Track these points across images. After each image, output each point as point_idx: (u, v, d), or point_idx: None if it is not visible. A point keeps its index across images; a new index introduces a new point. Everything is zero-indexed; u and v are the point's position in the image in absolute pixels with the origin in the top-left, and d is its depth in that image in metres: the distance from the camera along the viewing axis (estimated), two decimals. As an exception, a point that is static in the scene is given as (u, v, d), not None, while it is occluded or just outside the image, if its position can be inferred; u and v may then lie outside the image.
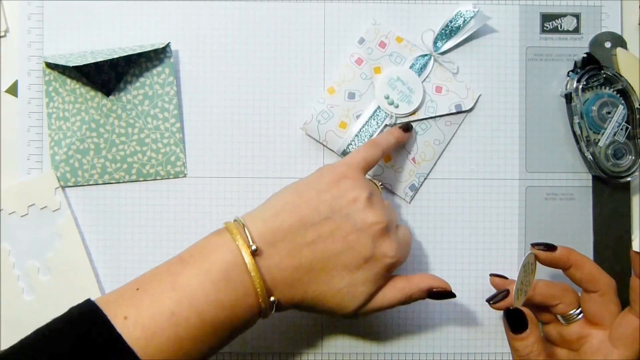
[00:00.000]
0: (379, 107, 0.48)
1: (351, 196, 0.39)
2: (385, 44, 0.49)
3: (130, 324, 0.35)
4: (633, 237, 0.40)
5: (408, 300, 0.41)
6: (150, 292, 0.36)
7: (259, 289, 0.37)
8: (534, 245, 0.43)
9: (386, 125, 0.48)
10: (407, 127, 0.47)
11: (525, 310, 0.41)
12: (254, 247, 0.37)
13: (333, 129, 0.48)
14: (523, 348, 0.41)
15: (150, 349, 0.35)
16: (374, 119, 0.48)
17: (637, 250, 0.39)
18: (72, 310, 0.37)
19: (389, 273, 0.40)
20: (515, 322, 0.41)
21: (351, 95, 0.49)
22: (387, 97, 0.48)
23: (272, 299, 0.38)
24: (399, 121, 0.48)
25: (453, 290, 0.42)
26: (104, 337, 0.35)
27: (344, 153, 0.48)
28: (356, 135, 0.48)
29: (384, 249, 0.39)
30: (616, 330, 0.41)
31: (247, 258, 0.37)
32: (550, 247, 0.43)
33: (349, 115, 0.48)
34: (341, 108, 0.49)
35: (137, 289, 0.37)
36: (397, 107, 0.48)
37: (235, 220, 0.39)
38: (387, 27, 0.49)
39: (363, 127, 0.48)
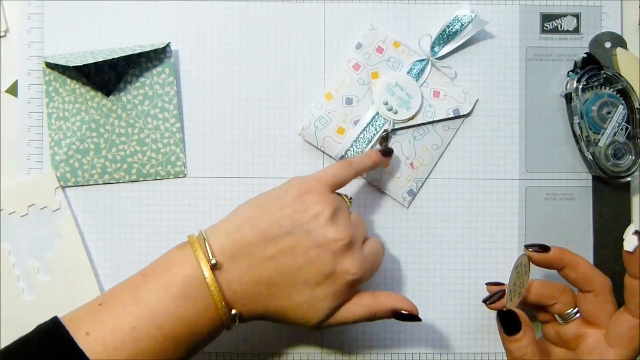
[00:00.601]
0: (377, 113, 0.48)
1: (313, 211, 0.39)
2: (382, 49, 0.49)
3: (92, 340, 0.35)
4: (624, 236, 0.40)
5: (372, 317, 0.41)
6: (111, 307, 0.37)
7: (218, 303, 0.37)
8: (527, 246, 0.43)
9: (385, 131, 0.48)
10: (387, 152, 0.46)
11: (519, 311, 0.41)
12: (213, 262, 0.37)
13: (331, 135, 0.48)
14: (517, 350, 0.41)
15: None
16: (372, 125, 0.48)
17: (629, 250, 0.39)
18: (38, 328, 0.37)
19: (352, 289, 0.40)
20: (508, 323, 0.41)
21: (349, 101, 0.49)
22: (386, 103, 0.48)
23: (233, 312, 0.38)
24: (397, 127, 0.48)
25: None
26: (67, 353, 0.35)
27: (342, 159, 0.48)
28: (354, 141, 0.48)
29: (345, 265, 0.39)
30: (612, 329, 0.41)
31: (207, 272, 0.37)
32: (544, 248, 0.42)
33: (346, 120, 0.48)
34: (339, 114, 0.49)
35: (100, 304, 0.37)
36: (396, 113, 0.48)
37: (198, 234, 0.40)
38: (384, 32, 0.49)
39: (361, 133, 0.48)
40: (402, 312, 0.41)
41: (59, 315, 0.38)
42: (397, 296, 0.42)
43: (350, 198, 0.44)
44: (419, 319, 0.42)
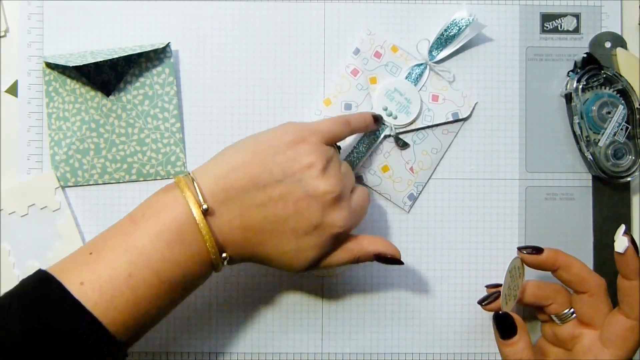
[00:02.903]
0: None
1: (306, 161, 0.38)
2: (380, 54, 0.49)
3: (88, 289, 0.35)
4: (615, 237, 0.40)
5: (356, 261, 0.41)
6: (103, 256, 0.36)
7: (210, 248, 0.37)
8: (520, 248, 0.43)
9: (386, 136, 0.48)
10: (377, 118, 0.46)
11: (515, 315, 0.41)
12: (205, 207, 0.37)
13: None
14: (513, 354, 0.41)
15: (110, 311, 0.35)
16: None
17: (619, 251, 0.39)
18: (25, 282, 0.36)
19: (337, 240, 0.40)
20: (504, 327, 0.41)
21: (347, 107, 0.49)
22: (385, 109, 0.48)
23: (223, 255, 0.38)
24: (397, 132, 0.48)
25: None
26: (62, 303, 0.34)
27: None
28: (354, 148, 0.48)
29: (333, 218, 0.39)
30: (606, 330, 0.41)
31: (198, 217, 0.37)
32: (537, 250, 0.42)
33: None
34: None
35: (91, 253, 0.36)
36: (395, 118, 0.48)
37: (185, 175, 0.39)
38: (382, 37, 0.49)
39: (362, 138, 0.48)
40: (386, 255, 0.41)
41: (44, 268, 0.37)
42: (380, 240, 0.42)
43: (339, 147, 0.44)
44: (401, 262, 0.42)
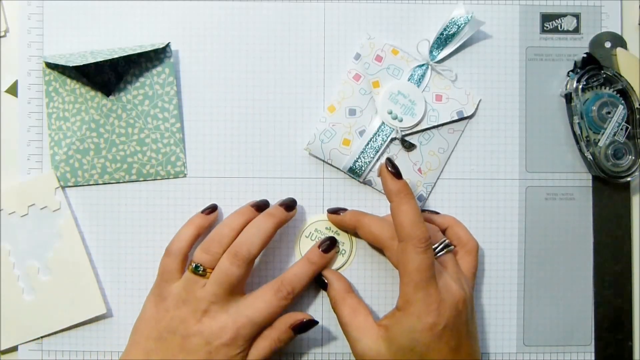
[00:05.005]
0: (383, 123, 0.48)
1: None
2: (381, 57, 0.49)
3: None
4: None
5: (279, 343, 0.44)
6: None
7: None
8: (328, 211, 0.48)
9: (393, 139, 0.48)
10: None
11: (327, 271, 0.47)
12: None
13: (337, 147, 0.48)
14: (331, 297, 0.46)
15: None
16: (379, 135, 0.48)
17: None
18: None
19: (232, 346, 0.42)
20: (318, 283, 0.47)
21: (352, 112, 0.49)
22: (390, 112, 0.48)
23: None
24: (404, 134, 0.48)
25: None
26: None
27: (351, 170, 0.48)
28: (362, 152, 0.48)
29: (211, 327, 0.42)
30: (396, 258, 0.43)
31: None
32: (341, 211, 0.47)
33: (351, 132, 0.48)
34: (343, 125, 0.48)
35: None
36: (401, 121, 0.48)
37: None
38: (382, 41, 0.49)
39: (368, 143, 0.48)
40: (302, 322, 0.44)
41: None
42: (289, 313, 0.44)
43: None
44: (316, 322, 0.45)
